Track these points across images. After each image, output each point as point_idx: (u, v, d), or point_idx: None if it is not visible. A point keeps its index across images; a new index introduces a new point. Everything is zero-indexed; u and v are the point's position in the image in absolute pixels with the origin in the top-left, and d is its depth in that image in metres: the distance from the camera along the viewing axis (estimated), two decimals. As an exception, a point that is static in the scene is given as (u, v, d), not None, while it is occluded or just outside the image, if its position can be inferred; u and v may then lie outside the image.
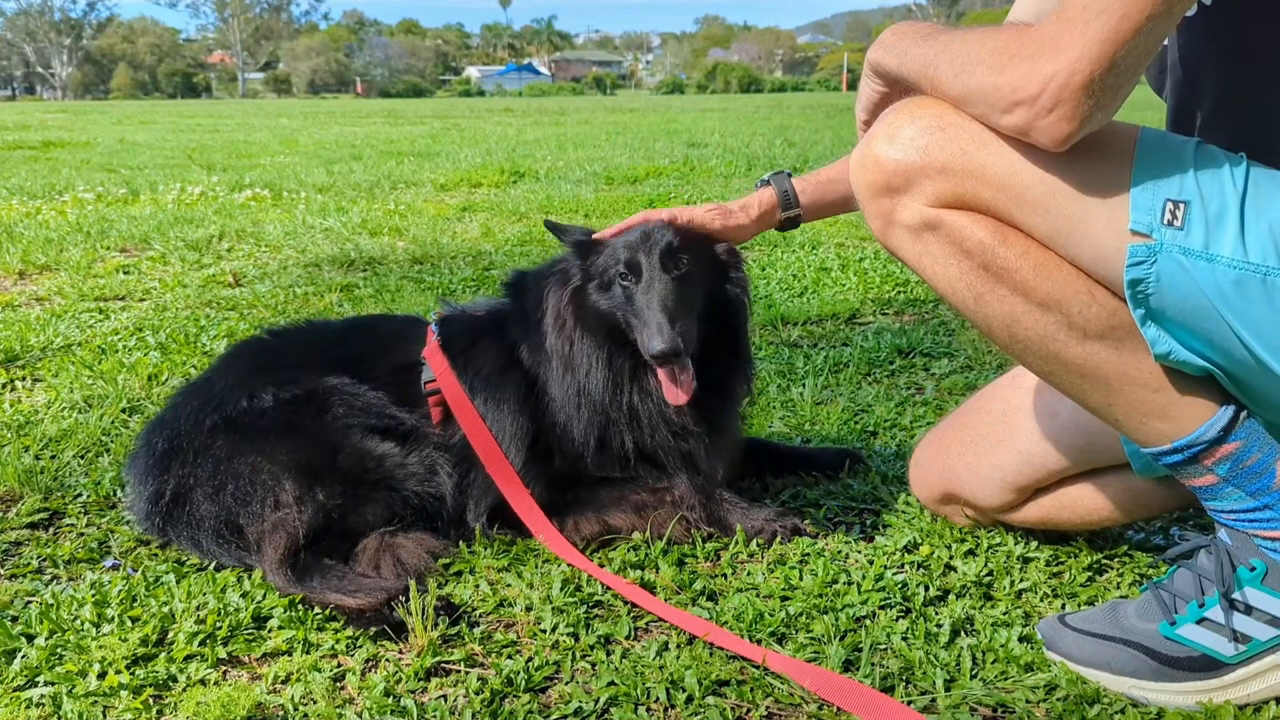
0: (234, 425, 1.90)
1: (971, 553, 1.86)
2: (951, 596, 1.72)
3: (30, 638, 1.60)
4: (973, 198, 1.33)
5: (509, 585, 1.77)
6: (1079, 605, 1.69)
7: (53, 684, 1.48)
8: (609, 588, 1.74)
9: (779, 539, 1.93)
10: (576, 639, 1.61)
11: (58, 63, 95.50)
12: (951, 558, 1.84)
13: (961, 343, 3.31)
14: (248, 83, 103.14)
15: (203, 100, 72.67)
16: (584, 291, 1.95)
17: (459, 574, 1.84)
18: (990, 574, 1.78)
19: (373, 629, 1.62)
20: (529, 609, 1.69)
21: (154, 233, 5.65)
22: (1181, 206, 1.24)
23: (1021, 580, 1.76)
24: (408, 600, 1.61)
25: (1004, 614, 1.66)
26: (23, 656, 1.54)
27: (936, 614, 1.66)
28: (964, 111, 1.33)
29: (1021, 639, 1.57)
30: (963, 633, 1.61)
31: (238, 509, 1.81)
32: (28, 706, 1.44)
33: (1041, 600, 1.71)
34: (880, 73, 1.48)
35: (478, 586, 1.78)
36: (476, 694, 1.46)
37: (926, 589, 1.72)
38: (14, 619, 1.66)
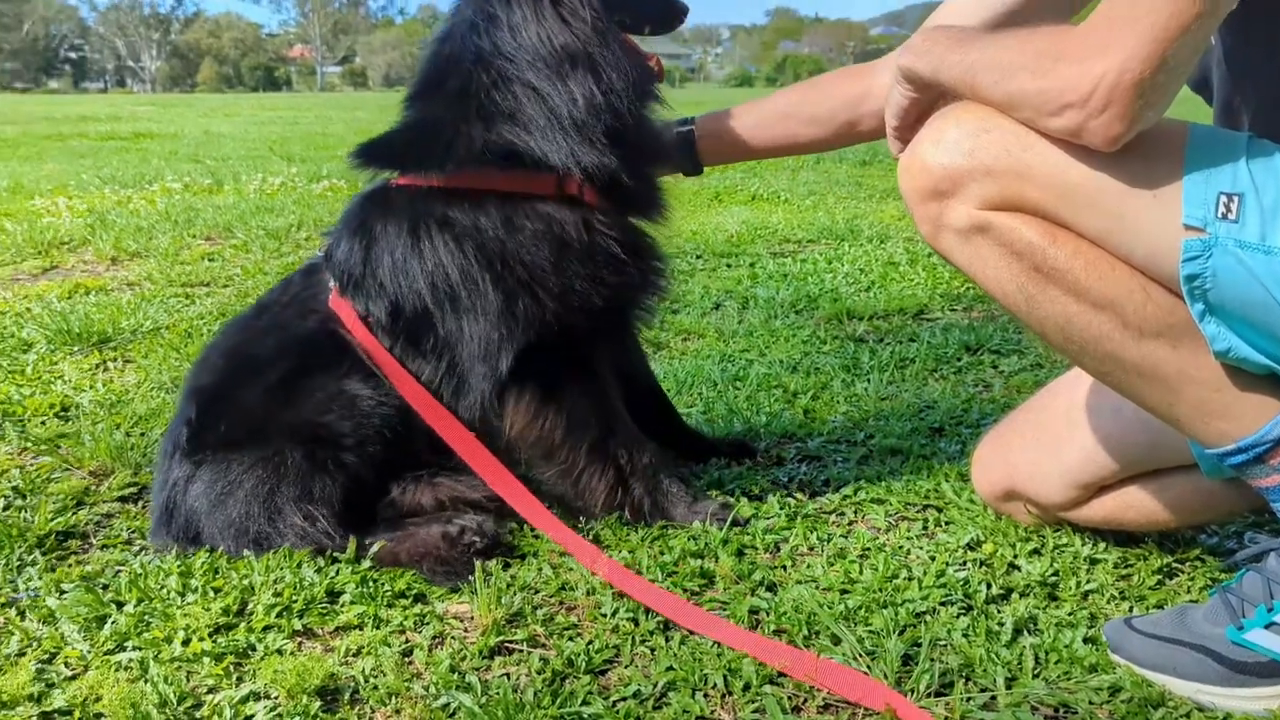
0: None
1: (1037, 552, 1.85)
2: (1015, 595, 1.71)
3: (120, 605, 1.69)
4: (1021, 199, 1.33)
5: (571, 569, 1.81)
6: (1147, 609, 1.66)
7: (140, 649, 1.56)
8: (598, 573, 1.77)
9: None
10: (636, 624, 1.64)
11: (147, 57, 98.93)
12: (1016, 556, 1.83)
13: (1032, 340, 3.26)
14: (326, 76, 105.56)
15: (283, 93, 74.52)
16: None
17: (522, 557, 1.88)
18: (1056, 574, 1.76)
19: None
20: (590, 593, 1.73)
21: (236, 221, 5.84)
22: (1235, 199, 1.22)
23: (1088, 581, 1.74)
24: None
25: (1069, 615, 1.64)
26: (113, 622, 1.63)
27: (999, 612, 1.65)
28: (1009, 116, 1.32)
29: (1086, 640, 1.55)
30: (1025, 632, 1.60)
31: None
32: (117, 670, 1.52)
33: (1108, 602, 1.69)
34: (912, 79, 1.49)
35: (540, 570, 1.82)
36: (538, 673, 1.50)
37: (989, 587, 1.71)
38: (105, 587, 1.75)
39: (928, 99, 1.51)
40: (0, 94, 65.46)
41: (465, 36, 1.81)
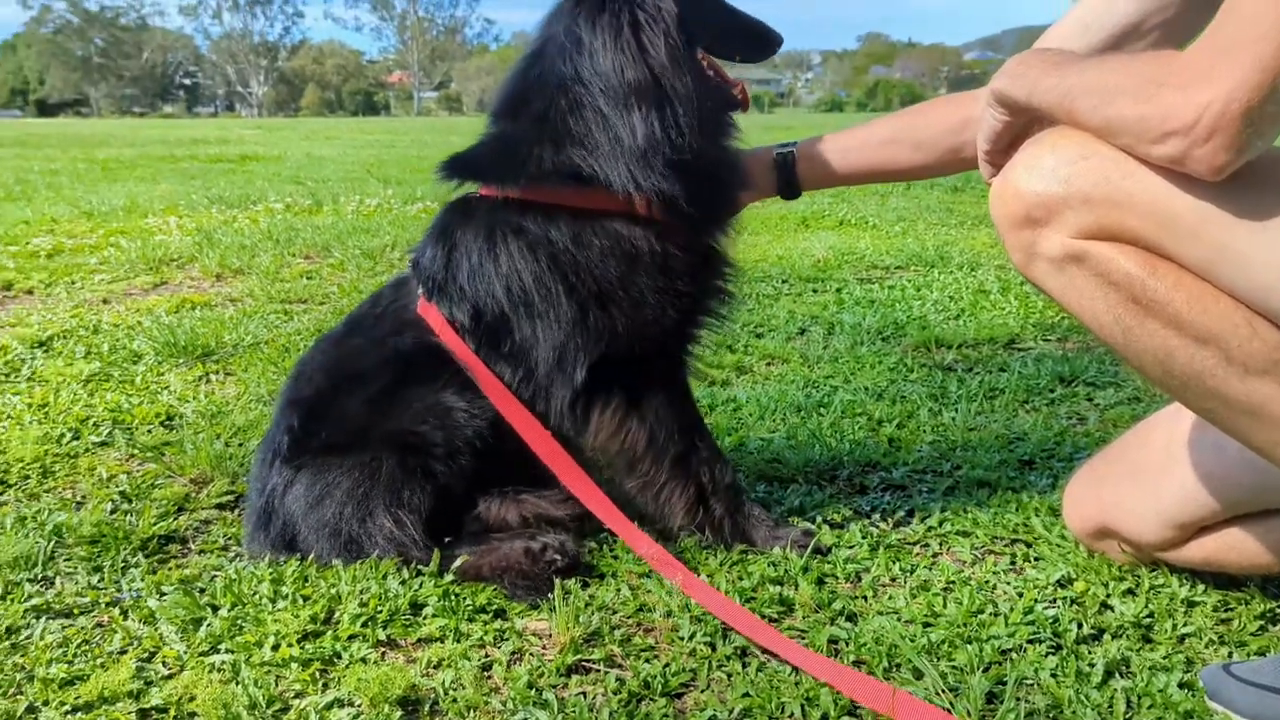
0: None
1: (1131, 592, 1.78)
2: (1107, 636, 1.65)
3: (215, 608, 1.75)
4: (1119, 228, 1.29)
5: (649, 591, 1.81)
6: (1248, 655, 1.58)
7: (233, 652, 1.62)
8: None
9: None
10: (713, 648, 1.63)
11: (255, 82, 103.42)
12: (1109, 596, 1.76)
13: (1129, 372, 3.15)
14: (422, 101, 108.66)
15: (381, 117, 76.97)
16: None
17: (601, 577, 1.89)
18: (1151, 616, 1.69)
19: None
20: (668, 615, 1.73)
21: (334, 241, 6.04)
22: None
23: (1185, 624, 1.67)
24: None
25: (1164, 658, 1.57)
26: (208, 625, 1.69)
27: (1090, 653, 1.59)
28: (1107, 142, 1.29)
29: (1182, 686, 1.49)
30: (1118, 674, 1.54)
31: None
32: (210, 671, 1.58)
33: (1206, 647, 1.61)
34: (1005, 103, 1.46)
35: (619, 591, 1.82)
36: (614, 694, 1.51)
37: (1080, 626, 1.66)
38: (202, 590, 1.82)
39: (1021, 123, 1.48)
40: (120, 118, 69.17)
41: (553, 60, 1.88)
